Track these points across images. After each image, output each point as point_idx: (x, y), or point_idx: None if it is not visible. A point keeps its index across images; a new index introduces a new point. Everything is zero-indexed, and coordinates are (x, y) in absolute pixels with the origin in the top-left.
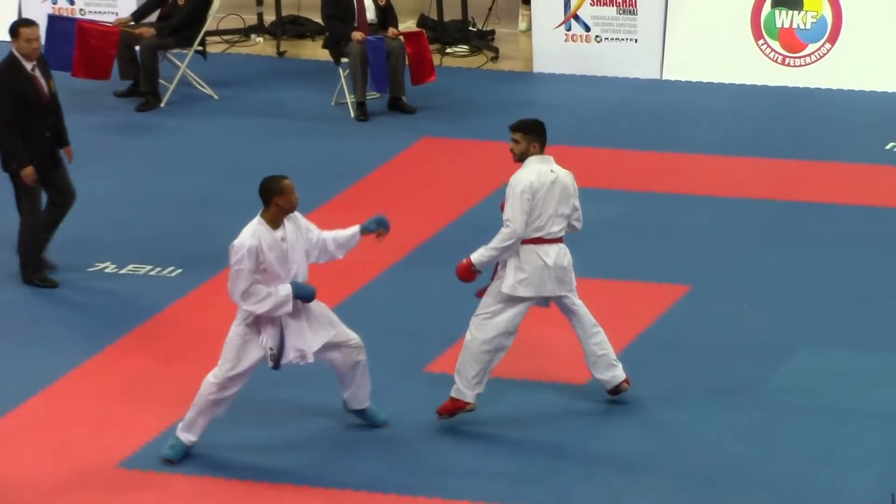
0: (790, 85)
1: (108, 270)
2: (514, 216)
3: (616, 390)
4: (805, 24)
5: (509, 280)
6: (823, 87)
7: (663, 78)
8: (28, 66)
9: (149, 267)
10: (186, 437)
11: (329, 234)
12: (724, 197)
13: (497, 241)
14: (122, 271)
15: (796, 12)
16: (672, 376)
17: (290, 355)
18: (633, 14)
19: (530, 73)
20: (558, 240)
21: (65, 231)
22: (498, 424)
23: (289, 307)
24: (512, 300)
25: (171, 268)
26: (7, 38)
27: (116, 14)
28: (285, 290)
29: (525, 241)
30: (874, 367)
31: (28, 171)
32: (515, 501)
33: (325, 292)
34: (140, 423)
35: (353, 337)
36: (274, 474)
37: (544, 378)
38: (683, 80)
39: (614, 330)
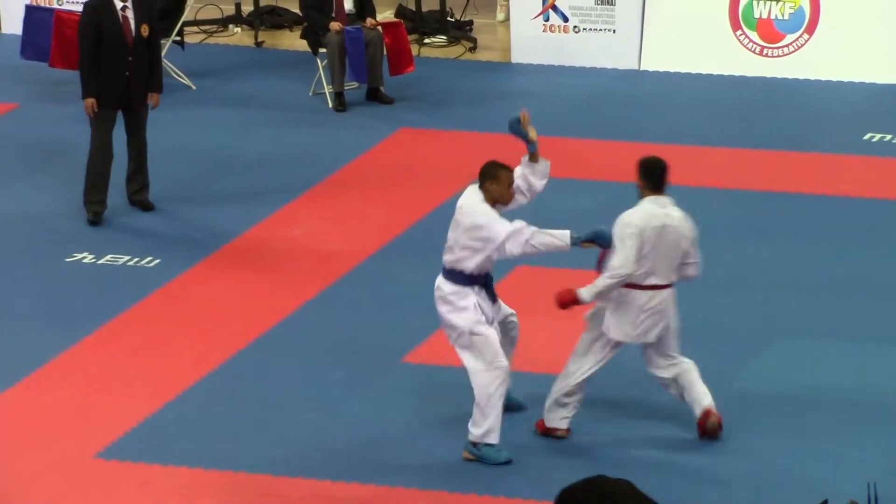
0: (768, 75)
1: (85, 261)
2: (620, 267)
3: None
4: (783, 15)
5: (629, 326)
6: (801, 77)
7: (641, 68)
8: (119, 4)
9: (127, 257)
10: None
11: None
12: (700, 187)
13: (600, 285)
14: (99, 262)
15: (774, 3)
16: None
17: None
18: (612, 4)
19: (508, 63)
20: (668, 285)
21: (42, 221)
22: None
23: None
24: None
25: (149, 258)
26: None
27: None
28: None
29: (635, 286)
30: (849, 356)
31: (87, 102)
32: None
33: (304, 281)
34: (118, 414)
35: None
36: (253, 465)
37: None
38: (661, 70)
39: None
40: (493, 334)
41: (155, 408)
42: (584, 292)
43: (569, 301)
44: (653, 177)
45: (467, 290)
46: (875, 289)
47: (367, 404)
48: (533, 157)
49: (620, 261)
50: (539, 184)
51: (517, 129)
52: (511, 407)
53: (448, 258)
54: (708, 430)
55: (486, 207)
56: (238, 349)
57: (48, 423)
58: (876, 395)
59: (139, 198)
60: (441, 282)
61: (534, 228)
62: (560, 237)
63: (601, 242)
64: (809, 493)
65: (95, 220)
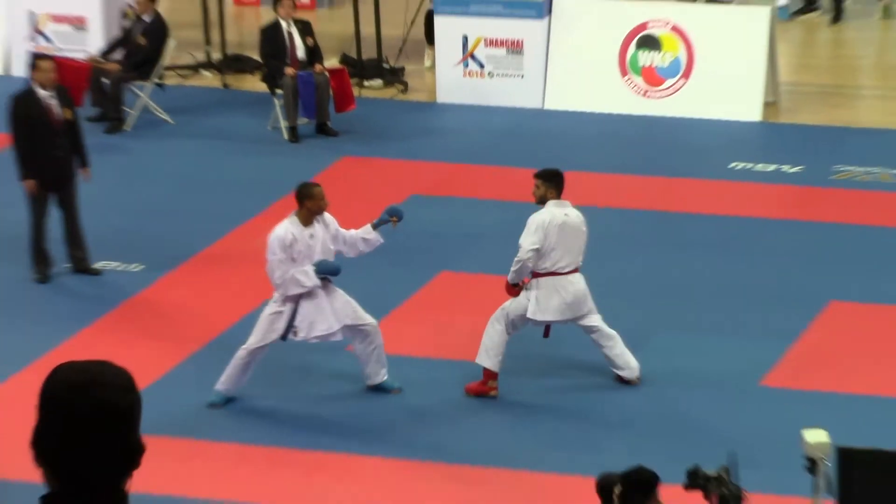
0: (651, 114)
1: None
2: (522, 245)
3: (630, 382)
4: (664, 63)
5: (531, 307)
6: (679, 115)
7: (545, 108)
8: (43, 93)
9: (116, 263)
10: (225, 389)
11: (356, 233)
12: (592, 206)
13: (515, 266)
14: (93, 266)
15: (656, 52)
16: (547, 356)
17: (315, 331)
18: (520, 54)
19: (434, 103)
20: (573, 272)
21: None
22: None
23: (315, 281)
24: (529, 320)
25: (135, 264)
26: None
27: (88, 52)
28: (309, 269)
29: (541, 274)
30: (717, 347)
31: (28, 184)
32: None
33: (263, 285)
34: None
35: (369, 321)
36: (230, 436)
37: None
38: (562, 109)
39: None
40: (265, 336)
41: (149, 381)
42: (510, 276)
43: (508, 289)
44: (560, 184)
45: (285, 305)
46: (737, 292)
47: (324, 383)
48: (375, 228)
49: (521, 247)
50: (362, 251)
51: (387, 219)
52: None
53: None
54: None
55: (276, 242)
56: (216, 335)
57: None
58: (735, 378)
59: (82, 266)
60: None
61: (284, 277)
62: (307, 279)
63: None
64: (679, 458)
65: (43, 281)
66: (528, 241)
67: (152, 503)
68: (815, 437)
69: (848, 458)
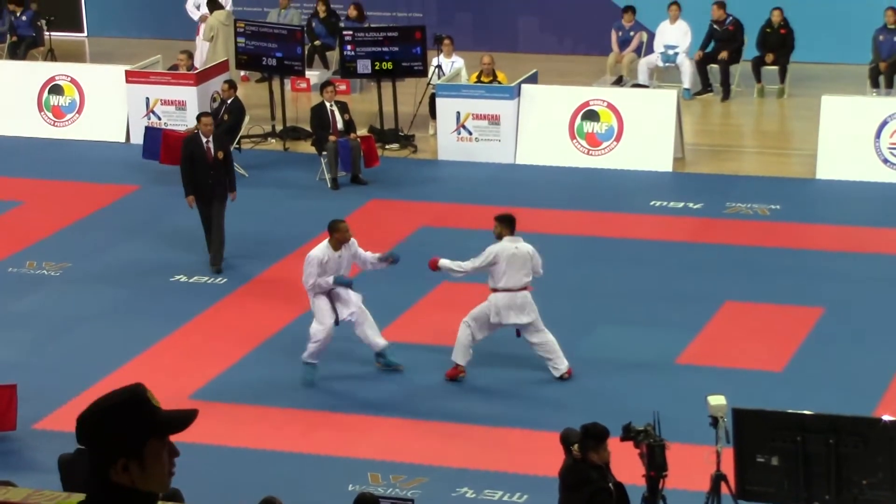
0: (592, 167)
1: (181, 280)
2: (472, 264)
3: (562, 377)
4: (601, 130)
5: (492, 314)
6: (613, 168)
7: (516, 163)
8: (204, 139)
9: (206, 278)
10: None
11: (368, 257)
12: (550, 234)
13: (455, 265)
14: (190, 280)
15: (596, 122)
16: (506, 343)
17: (342, 315)
18: (498, 124)
19: (436, 160)
20: (522, 289)
21: (154, 255)
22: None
23: (331, 286)
24: (492, 324)
25: (220, 278)
26: (118, 139)
27: (186, 126)
28: (329, 279)
29: (499, 290)
30: (642, 336)
31: (188, 199)
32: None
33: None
34: (208, 365)
35: (355, 310)
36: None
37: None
38: (528, 164)
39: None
40: (323, 311)
41: (236, 358)
42: (445, 262)
43: (431, 264)
44: (511, 224)
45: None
46: (657, 295)
47: (352, 367)
48: (382, 261)
49: (471, 262)
50: (370, 270)
51: (387, 258)
52: (389, 367)
53: None
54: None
55: (315, 259)
56: (277, 330)
57: (153, 375)
58: (656, 358)
59: (215, 265)
60: None
61: (315, 283)
62: (326, 285)
63: (343, 284)
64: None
65: (218, 271)
66: (474, 261)
67: (222, 453)
68: (717, 400)
69: (740, 417)
